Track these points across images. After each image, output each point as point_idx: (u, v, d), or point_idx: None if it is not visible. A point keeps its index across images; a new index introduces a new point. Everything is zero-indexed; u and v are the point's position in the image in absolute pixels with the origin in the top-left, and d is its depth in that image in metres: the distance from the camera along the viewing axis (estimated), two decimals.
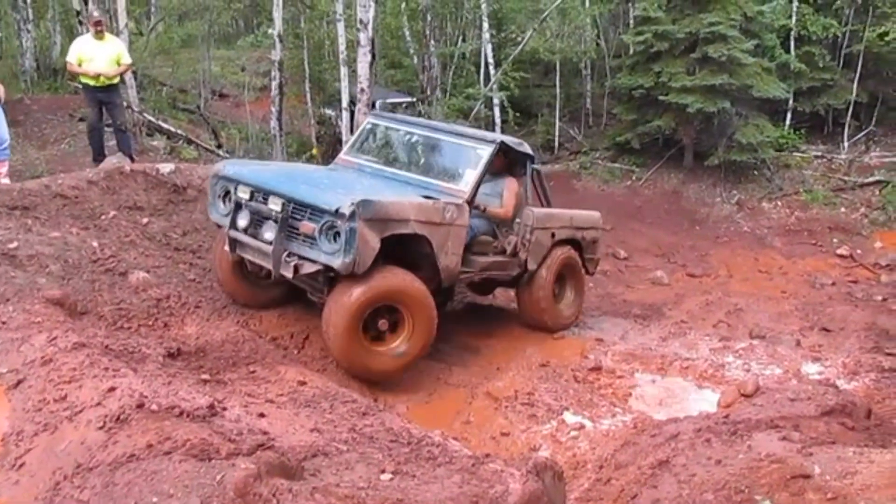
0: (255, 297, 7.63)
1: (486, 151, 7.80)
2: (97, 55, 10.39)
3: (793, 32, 20.78)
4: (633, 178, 20.45)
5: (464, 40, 21.26)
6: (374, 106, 17.66)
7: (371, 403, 5.60)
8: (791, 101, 21.01)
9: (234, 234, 6.87)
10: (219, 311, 7.51)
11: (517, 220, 8.47)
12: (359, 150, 8.53)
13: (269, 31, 17.24)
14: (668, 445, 5.71)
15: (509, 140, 8.41)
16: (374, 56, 15.41)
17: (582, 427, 6.60)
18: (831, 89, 21.06)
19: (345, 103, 16.74)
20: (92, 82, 10.43)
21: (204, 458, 3.87)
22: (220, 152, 15.02)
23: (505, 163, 8.49)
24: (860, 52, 20.59)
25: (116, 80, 10.76)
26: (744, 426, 5.76)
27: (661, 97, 19.02)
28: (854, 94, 20.84)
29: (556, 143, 22.30)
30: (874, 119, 21.58)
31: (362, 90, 14.07)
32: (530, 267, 8.57)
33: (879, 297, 13.81)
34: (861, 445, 5.70)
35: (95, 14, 10.85)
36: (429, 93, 17.47)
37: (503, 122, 20.67)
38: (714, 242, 17.79)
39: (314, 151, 17.66)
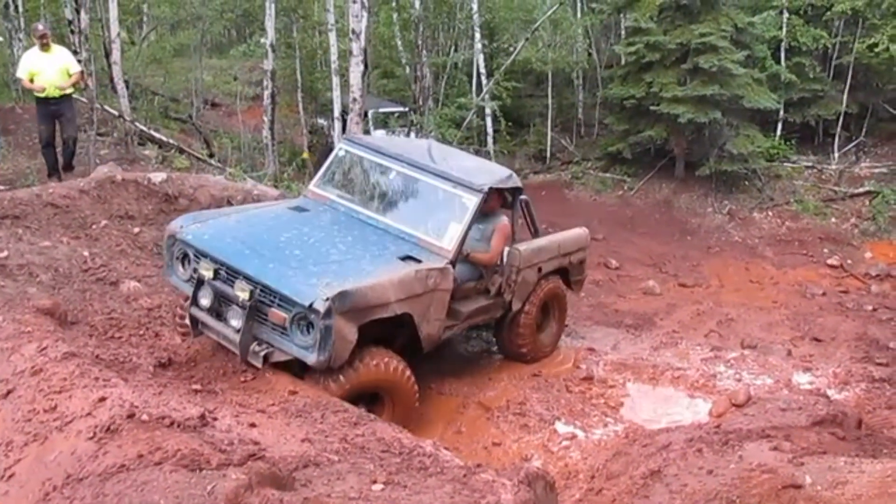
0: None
1: (472, 202, 7.04)
2: (46, 68, 10.20)
3: (783, 43, 20.92)
4: (625, 187, 20.51)
5: (456, 50, 21.30)
6: (366, 115, 17.71)
7: (363, 413, 5.57)
8: (782, 112, 21.15)
9: (196, 313, 6.24)
10: None
11: (503, 261, 7.73)
12: (330, 181, 7.69)
13: (262, 40, 17.27)
14: (659, 455, 5.71)
15: (497, 181, 7.51)
16: (366, 66, 15.44)
17: (574, 437, 6.62)
18: (822, 100, 21.21)
19: (337, 113, 16.76)
20: (43, 95, 10.24)
21: (194, 469, 3.86)
22: (213, 161, 15.00)
23: (493, 201, 7.57)
24: (850, 64, 20.75)
25: (69, 91, 10.56)
26: (735, 436, 5.77)
27: (652, 107, 19.11)
28: (844, 104, 21.00)
29: (548, 153, 22.36)
30: (864, 130, 21.74)
31: (354, 100, 14.08)
32: (515, 307, 7.94)
33: (870, 307, 13.88)
34: (852, 455, 5.71)
35: (40, 27, 10.53)
36: (421, 102, 17.50)
37: (495, 131, 20.74)
38: (705, 252, 17.84)
39: (305, 155, 17.66)
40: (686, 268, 16.76)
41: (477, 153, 19.26)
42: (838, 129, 21.41)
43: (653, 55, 19.34)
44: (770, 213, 19.46)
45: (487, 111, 20.28)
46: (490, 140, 20.66)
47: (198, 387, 5.74)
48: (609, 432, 6.80)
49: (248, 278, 5.96)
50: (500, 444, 6.50)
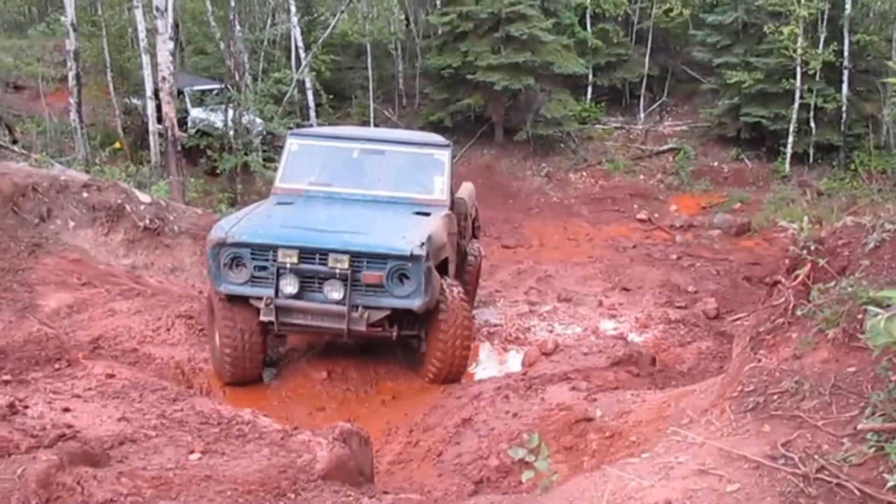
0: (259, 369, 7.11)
1: (445, 156, 7.91)
2: None
3: (588, 10, 21.92)
4: None
5: (272, 24, 21.02)
6: (180, 93, 17.27)
7: (182, 390, 5.65)
8: (590, 77, 22.25)
9: (282, 302, 6.48)
10: (20, 311, 7.29)
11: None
12: (293, 175, 7.91)
13: (62, 18, 16.42)
14: (471, 405, 6.11)
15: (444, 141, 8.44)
16: (177, 43, 15.05)
17: (394, 396, 6.90)
18: (626, 64, 22.47)
19: (149, 92, 16.27)
20: None
21: (3, 455, 3.86)
22: (16, 148, 14.28)
23: None
24: (650, 28, 22.03)
25: None
26: (539, 381, 6.25)
27: (469, 76, 19.64)
28: (647, 67, 22.31)
29: (372, 125, 22.49)
30: (666, 91, 23.19)
31: (163, 79, 13.73)
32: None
33: (674, 256, 14.91)
34: (644, 390, 6.30)
35: None
36: (238, 79, 17.20)
37: (317, 105, 20.68)
38: (526, 214, 18.57)
39: (118, 145, 17.06)
40: (508, 230, 17.40)
41: (299, 126, 19.22)
42: (643, 90, 22.74)
43: (466, 25, 19.84)
44: (584, 174, 20.47)
45: (308, 85, 20.19)
46: (312, 114, 20.58)
47: (8, 377, 5.62)
48: (428, 389, 7.10)
49: (344, 252, 6.38)
50: (323, 410, 6.69)
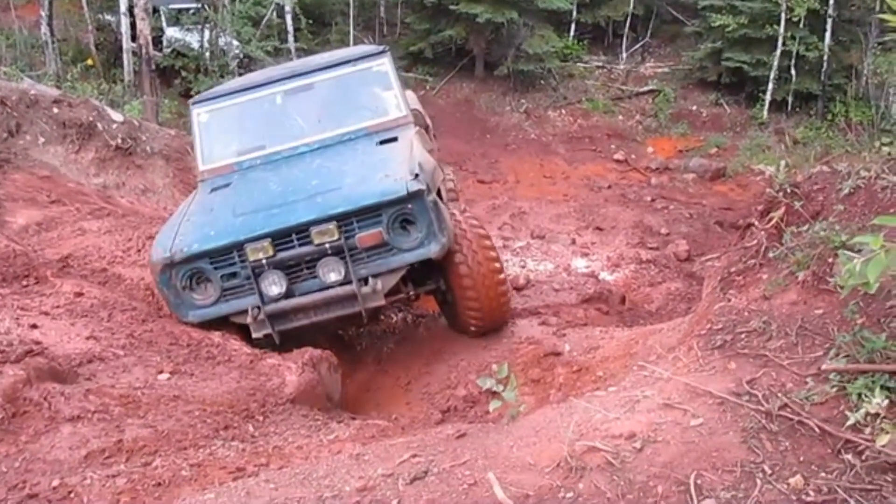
0: None
1: (385, 64, 6.68)
2: None
3: None
4: (427, 87, 20.74)
5: None
6: (156, 11, 16.85)
7: (151, 311, 5.61)
8: (574, 13, 21.90)
9: (273, 308, 5.28)
10: None
11: None
12: (214, 150, 6.61)
13: None
14: (440, 336, 6.15)
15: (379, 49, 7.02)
16: None
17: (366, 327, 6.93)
18: (611, 2, 22.16)
19: (124, 8, 15.82)
20: None
21: None
22: None
23: None
24: None
25: None
26: (510, 315, 6.27)
27: (451, 7, 19.27)
28: (631, 6, 22.02)
29: None
30: (649, 31, 22.97)
31: None
32: None
33: (648, 198, 14.98)
34: (613, 327, 6.37)
35: None
36: None
37: (296, 29, 20.27)
38: (503, 150, 18.50)
39: (90, 62, 16.68)
40: (485, 165, 17.37)
41: (277, 51, 18.88)
42: (626, 30, 22.50)
43: None
44: (563, 112, 20.35)
45: (287, 9, 19.75)
46: (291, 38, 20.18)
47: None
48: (401, 321, 7.13)
49: (319, 221, 5.18)
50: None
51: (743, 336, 3.44)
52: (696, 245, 11.09)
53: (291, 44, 19.91)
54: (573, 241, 11.13)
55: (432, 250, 5.28)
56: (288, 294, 5.28)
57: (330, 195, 5.32)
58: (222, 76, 16.25)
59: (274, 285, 5.26)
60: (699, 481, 2.67)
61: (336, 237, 5.15)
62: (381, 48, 6.87)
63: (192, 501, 3.10)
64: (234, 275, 5.31)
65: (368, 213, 5.21)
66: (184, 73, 16.78)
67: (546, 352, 5.31)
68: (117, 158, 9.49)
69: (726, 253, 4.58)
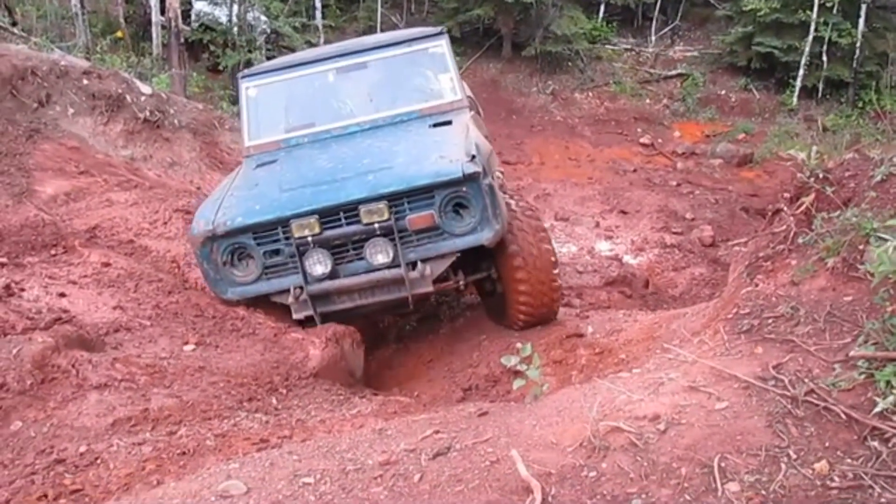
0: None
1: (442, 46, 6.47)
2: None
3: None
4: None
5: None
6: None
7: (178, 283, 5.66)
8: None
9: (317, 287, 5.09)
10: (17, 196, 7.24)
11: None
12: (262, 126, 6.47)
13: None
14: (463, 315, 6.16)
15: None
16: None
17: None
18: None
19: None
20: None
21: None
22: (15, 30, 13.96)
23: None
24: None
25: None
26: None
27: None
28: None
29: (378, 30, 22.06)
30: (679, 14, 22.71)
31: None
32: None
33: (674, 183, 14.88)
34: (637, 310, 6.36)
35: None
36: None
37: (324, 6, 20.27)
38: (529, 131, 18.44)
39: (120, 34, 16.73)
40: (510, 146, 17.31)
41: (304, 27, 18.87)
42: (656, 12, 22.25)
43: None
44: (590, 94, 20.22)
45: None
46: (318, 14, 20.19)
47: (4, 260, 5.62)
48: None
49: (370, 200, 4.97)
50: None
51: (770, 321, 3.42)
52: (721, 231, 11.01)
53: (319, 20, 19.92)
54: (597, 224, 11.09)
55: (485, 237, 5.07)
56: (332, 275, 5.08)
57: (381, 174, 5.10)
58: (250, 51, 16.31)
59: (318, 264, 5.07)
60: (723, 464, 2.66)
61: (386, 217, 4.95)
62: (438, 29, 6.70)
63: (217, 471, 3.13)
64: (277, 252, 5.13)
65: (421, 194, 5.01)
66: (211, 48, 16.84)
67: (569, 333, 5.30)
68: (145, 131, 9.53)
69: (753, 238, 4.53)
